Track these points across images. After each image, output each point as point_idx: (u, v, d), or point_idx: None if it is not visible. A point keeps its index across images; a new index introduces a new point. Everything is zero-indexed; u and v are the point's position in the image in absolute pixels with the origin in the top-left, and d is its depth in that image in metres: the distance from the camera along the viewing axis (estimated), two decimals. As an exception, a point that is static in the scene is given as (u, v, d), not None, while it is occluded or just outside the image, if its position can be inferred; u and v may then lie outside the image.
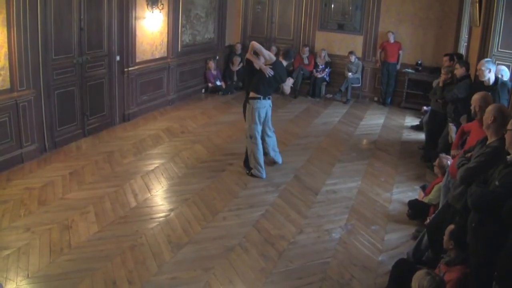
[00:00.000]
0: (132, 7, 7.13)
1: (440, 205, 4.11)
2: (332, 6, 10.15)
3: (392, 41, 9.29)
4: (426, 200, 4.67)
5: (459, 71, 5.71)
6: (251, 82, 5.48)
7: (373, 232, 4.42)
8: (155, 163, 5.82)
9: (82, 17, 6.16)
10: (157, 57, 8.12)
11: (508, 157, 2.69)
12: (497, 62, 5.42)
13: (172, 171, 5.60)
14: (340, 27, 10.15)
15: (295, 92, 9.81)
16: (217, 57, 10.14)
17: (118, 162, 5.78)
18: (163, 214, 4.55)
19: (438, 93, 6.02)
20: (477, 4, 6.00)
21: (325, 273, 3.70)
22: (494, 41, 5.72)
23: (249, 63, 5.56)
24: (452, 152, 4.64)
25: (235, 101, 9.11)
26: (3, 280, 3.33)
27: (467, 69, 5.81)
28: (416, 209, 4.69)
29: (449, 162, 4.44)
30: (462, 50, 7.90)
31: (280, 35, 10.69)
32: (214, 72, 9.84)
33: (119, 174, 5.43)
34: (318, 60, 10.02)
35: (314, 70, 9.98)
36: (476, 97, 3.93)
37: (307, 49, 10.07)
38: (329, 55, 10.10)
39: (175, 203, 4.80)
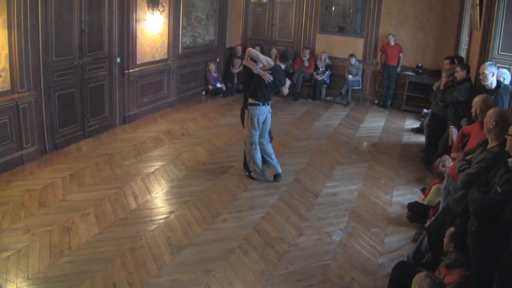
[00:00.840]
0: (132, 9, 7.14)
1: (440, 208, 4.11)
2: (333, 8, 10.15)
3: (392, 43, 9.29)
4: (425, 201, 4.67)
5: (460, 74, 5.71)
6: (249, 88, 5.35)
7: (373, 234, 4.42)
8: (155, 165, 5.82)
9: (82, 19, 6.17)
10: (157, 59, 8.12)
11: (510, 159, 2.69)
12: (497, 65, 5.42)
13: (172, 173, 5.60)
14: (341, 30, 10.15)
15: (295, 94, 9.82)
16: (218, 59, 10.14)
17: (118, 164, 5.78)
18: (163, 216, 4.55)
19: (439, 96, 6.02)
20: (478, 7, 6.01)
21: (325, 276, 3.70)
22: (495, 44, 5.72)
23: (246, 69, 5.42)
24: (452, 154, 4.64)
25: (235, 103, 9.09)
26: (3, 282, 3.33)
27: (468, 72, 5.82)
28: (416, 212, 4.68)
29: (450, 163, 4.45)
30: (462, 53, 7.90)
31: (280, 37, 10.68)
32: (214, 74, 9.85)
33: (119, 176, 5.43)
34: (318, 62, 10.02)
35: (315, 73, 9.99)
36: (477, 100, 3.94)
37: (307, 51, 10.09)
38: (330, 58, 10.10)
39: (175, 205, 4.79)
